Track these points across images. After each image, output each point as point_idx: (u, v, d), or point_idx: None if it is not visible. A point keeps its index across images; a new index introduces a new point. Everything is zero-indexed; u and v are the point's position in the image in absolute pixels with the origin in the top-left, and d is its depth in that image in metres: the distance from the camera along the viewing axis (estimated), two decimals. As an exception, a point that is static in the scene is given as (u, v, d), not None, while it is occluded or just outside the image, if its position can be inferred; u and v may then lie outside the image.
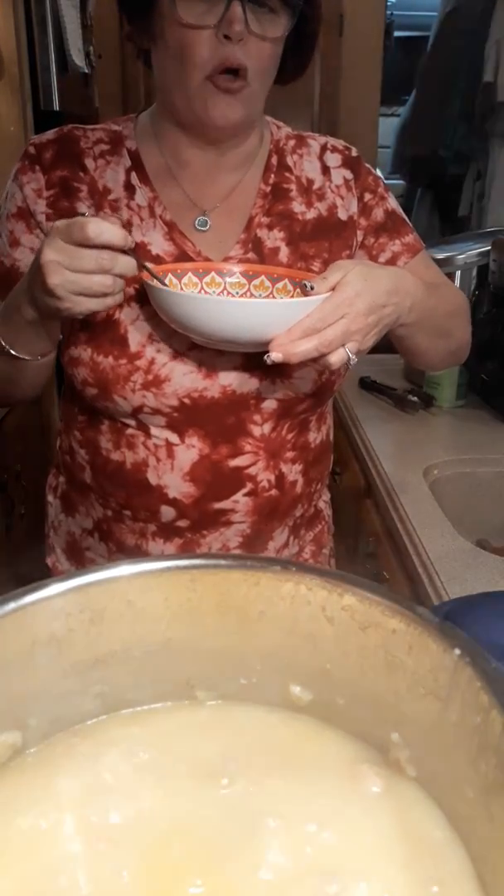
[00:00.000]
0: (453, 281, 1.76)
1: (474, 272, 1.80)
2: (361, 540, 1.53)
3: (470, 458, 1.49)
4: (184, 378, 0.94)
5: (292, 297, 0.92)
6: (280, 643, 0.55)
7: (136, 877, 0.45)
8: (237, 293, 0.94)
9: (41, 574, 0.54)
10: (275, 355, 0.79)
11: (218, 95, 0.87)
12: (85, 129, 0.98)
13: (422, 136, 2.70)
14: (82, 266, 0.76)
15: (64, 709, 0.55)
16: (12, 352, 0.89)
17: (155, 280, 0.86)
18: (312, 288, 0.81)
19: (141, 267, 0.83)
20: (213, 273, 0.93)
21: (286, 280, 0.93)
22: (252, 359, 0.93)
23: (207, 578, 0.54)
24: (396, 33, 3.26)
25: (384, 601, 0.50)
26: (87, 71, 2.22)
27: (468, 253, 1.75)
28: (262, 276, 0.94)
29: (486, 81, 2.37)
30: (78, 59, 2.09)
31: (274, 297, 0.93)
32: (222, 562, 0.55)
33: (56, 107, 1.98)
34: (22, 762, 0.53)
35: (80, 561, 1.10)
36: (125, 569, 0.54)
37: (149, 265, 0.87)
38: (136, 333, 0.93)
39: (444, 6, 2.70)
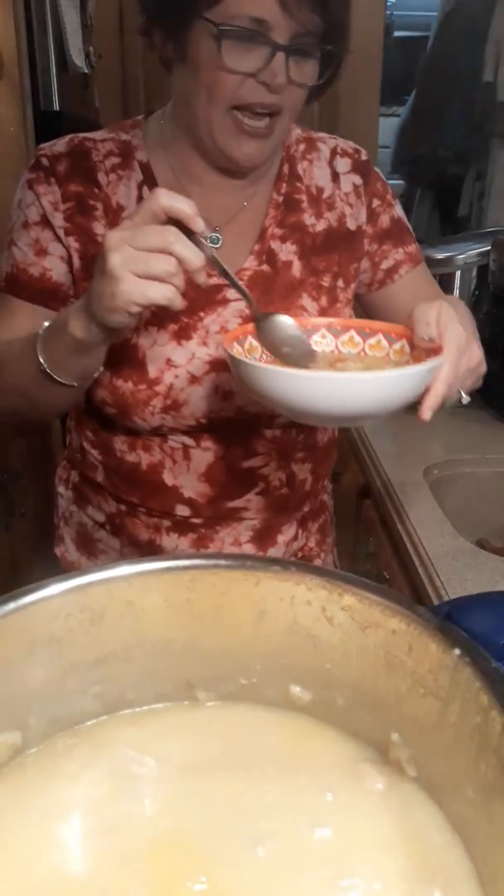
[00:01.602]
0: (453, 281, 1.76)
1: (474, 272, 1.80)
2: (361, 540, 1.53)
3: (470, 458, 1.49)
4: (201, 401, 0.94)
5: (388, 354, 0.81)
6: (280, 643, 0.55)
7: (140, 875, 0.45)
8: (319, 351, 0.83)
9: (42, 574, 0.54)
10: (430, 415, 0.75)
11: (244, 136, 0.85)
12: (94, 139, 0.95)
13: (422, 136, 2.70)
14: (146, 242, 0.71)
15: (64, 709, 0.55)
16: (51, 373, 0.83)
17: (240, 350, 0.76)
18: (433, 339, 0.76)
19: (215, 265, 0.75)
20: None
21: (380, 335, 0.82)
22: None
23: (207, 578, 0.54)
24: (396, 33, 3.26)
25: (384, 601, 0.50)
26: (87, 71, 2.22)
27: (468, 253, 1.75)
28: (352, 331, 0.83)
29: (486, 81, 2.37)
30: (78, 59, 2.09)
31: (366, 353, 0.82)
32: (222, 562, 0.55)
33: (56, 107, 1.98)
34: (22, 762, 0.53)
35: (90, 552, 1.11)
36: (125, 569, 0.54)
37: (253, 300, 0.78)
38: (154, 358, 0.93)
39: (444, 6, 2.69)
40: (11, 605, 0.50)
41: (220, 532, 1.03)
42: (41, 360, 0.82)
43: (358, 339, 0.83)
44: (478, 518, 1.40)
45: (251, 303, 0.78)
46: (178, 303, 0.73)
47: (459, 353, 0.75)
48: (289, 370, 0.70)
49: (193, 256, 0.71)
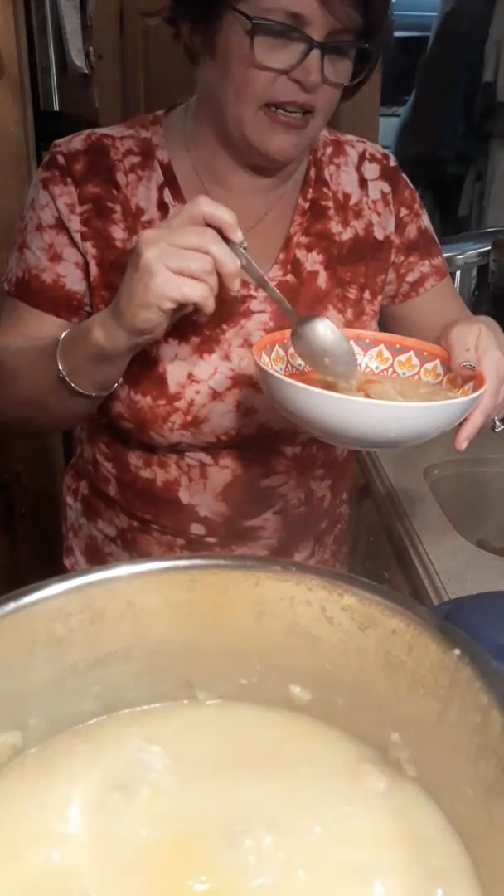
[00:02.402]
0: (453, 281, 1.76)
1: (474, 272, 1.80)
2: (361, 540, 1.53)
3: (470, 458, 1.49)
4: (222, 418, 0.92)
5: (417, 371, 0.80)
6: (280, 643, 0.55)
7: (141, 874, 0.45)
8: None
9: (42, 574, 0.54)
10: (465, 445, 0.75)
11: (278, 128, 0.82)
12: (113, 136, 0.91)
13: (422, 136, 2.70)
14: (183, 239, 0.70)
15: (64, 709, 0.55)
16: (70, 382, 0.81)
17: (270, 363, 0.75)
18: (472, 366, 0.74)
19: (250, 272, 0.74)
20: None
21: (412, 352, 0.80)
22: None
23: (207, 578, 0.54)
24: (396, 33, 3.26)
25: (384, 601, 0.50)
26: (87, 71, 2.22)
27: (468, 253, 1.76)
28: (381, 346, 0.81)
29: (486, 81, 2.38)
30: (78, 59, 2.09)
31: (396, 371, 0.80)
32: (222, 562, 0.55)
33: (56, 107, 1.97)
34: (22, 762, 0.53)
35: (100, 564, 1.08)
36: (125, 569, 0.54)
37: (289, 307, 0.77)
38: (174, 373, 0.89)
39: (443, 6, 2.70)
40: (11, 605, 0.49)
41: (235, 551, 1.00)
42: (61, 369, 0.80)
43: (387, 353, 0.81)
44: (478, 518, 1.40)
45: (288, 309, 0.77)
46: (211, 305, 0.72)
47: (500, 381, 0.74)
48: (327, 393, 0.68)
49: (230, 260, 0.71)
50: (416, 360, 0.80)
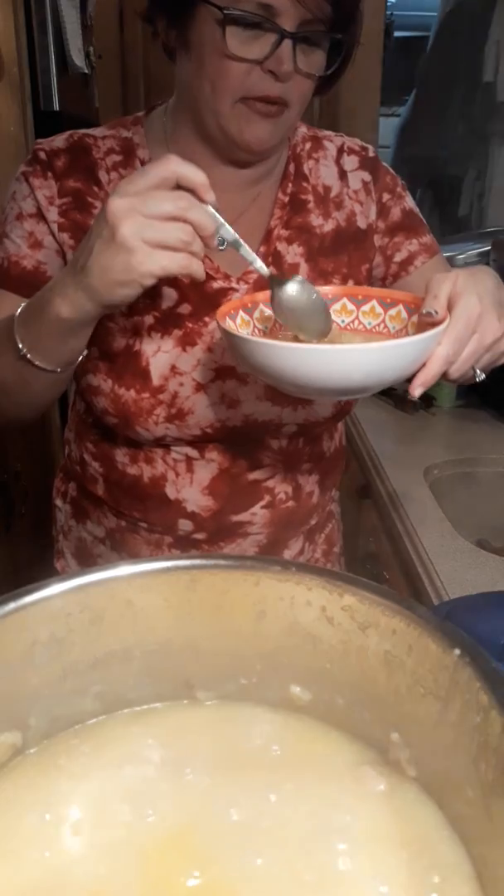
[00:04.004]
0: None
1: (474, 272, 1.80)
2: (361, 540, 1.53)
3: (470, 458, 1.49)
4: (207, 410, 0.92)
5: (382, 319, 0.79)
6: (280, 643, 0.55)
7: (136, 871, 0.45)
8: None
9: (42, 574, 0.54)
10: (419, 392, 0.72)
11: (254, 118, 0.83)
12: (95, 136, 0.93)
13: (422, 136, 2.70)
14: (159, 208, 0.66)
15: (64, 709, 0.55)
16: (31, 359, 0.78)
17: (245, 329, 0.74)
18: (433, 313, 0.71)
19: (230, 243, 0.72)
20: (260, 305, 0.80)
21: (374, 301, 0.80)
22: (274, 388, 0.91)
23: (207, 578, 0.54)
24: (396, 33, 3.26)
25: (384, 601, 0.50)
26: (87, 71, 2.22)
27: (468, 253, 1.76)
28: (344, 299, 0.81)
29: (486, 81, 2.38)
30: (78, 59, 2.09)
31: (361, 322, 0.80)
32: (222, 562, 0.55)
33: (56, 107, 1.98)
34: (22, 762, 0.53)
35: (90, 566, 1.09)
36: (125, 569, 0.54)
37: (270, 270, 0.76)
38: (158, 366, 0.90)
39: (443, 6, 2.70)
40: (11, 605, 0.50)
41: (224, 548, 1.01)
42: (19, 345, 0.77)
43: (351, 306, 0.81)
44: (478, 518, 1.40)
45: (264, 271, 0.75)
46: (200, 272, 0.70)
47: (466, 326, 0.70)
48: (284, 344, 0.69)
49: (209, 222, 0.68)
50: (379, 309, 0.79)
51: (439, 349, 0.70)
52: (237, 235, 0.73)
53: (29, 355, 0.78)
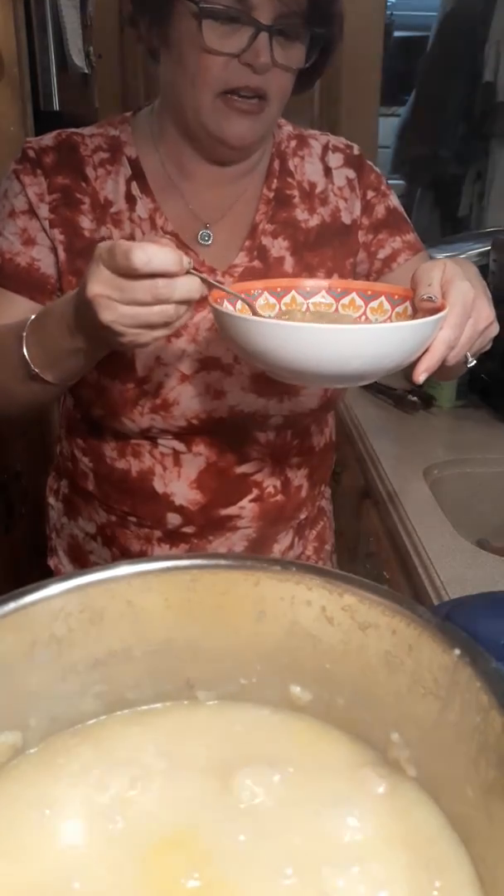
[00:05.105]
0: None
1: (474, 272, 1.80)
2: (361, 540, 1.53)
3: (470, 458, 1.49)
4: (192, 401, 0.93)
5: (390, 317, 0.78)
6: (280, 643, 0.55)
7: (135, 872, 0.45)
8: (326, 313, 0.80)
9: (41, 574, 0.54)
10: (423, 377, 0.71)
11: (234, 115, 0.85)
12: (83, 134, 0.95)
13: (422, 136, 2.70)
14: (136, 299, 0.66)
15: (64, 709, 0.55)
16: (42, 376, 0.80)
17: (231, 305, 0.73)
18: (433, 299, 0.71)
19: (209, 286, 0.70)
20: (293, 292, 0.79)
21: (383, 297, 0.78)
22: (259, 379, 0.92)
23: (207, 578, 0.54)
24: (396, 33, 3.26)
25: (384, 601, 0.50)
26: (87, 71, 2.22)
27: (468, 253, 1.75)
28: (354, 294, 0.79)
29: (486, 81, 2.38)
30: (78, 59, 2.09)
31: (368, 317, 0.78)
32: (222, 562, 0.55)
33: (56, 107, 1.98)
34: (22, 762, 0.53)
35: (83, 564, 1.10)
36: (125, 569, 0.54)
37: (226, 287, 0.75)
38: (143, 357, 0.91)
39: (443, 6, 2.70)
40: (11, 605, 0.50)
41: (213, 542, 1.01)
42: (29, 362, 0.79)
43: (360, 301, 0.79)
44: (478, 518, 1.40)
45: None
46: (177, 326, 0.70)
47: (464, 311, 0.70)
48: (281, 322, 0.67)
49: (193, 293, 0.67)
50: (387, 305, 0.78)
51: (442, 333, 0.69)
52: (214, 282, 0.72)
53: (40, 374, 0.80)
